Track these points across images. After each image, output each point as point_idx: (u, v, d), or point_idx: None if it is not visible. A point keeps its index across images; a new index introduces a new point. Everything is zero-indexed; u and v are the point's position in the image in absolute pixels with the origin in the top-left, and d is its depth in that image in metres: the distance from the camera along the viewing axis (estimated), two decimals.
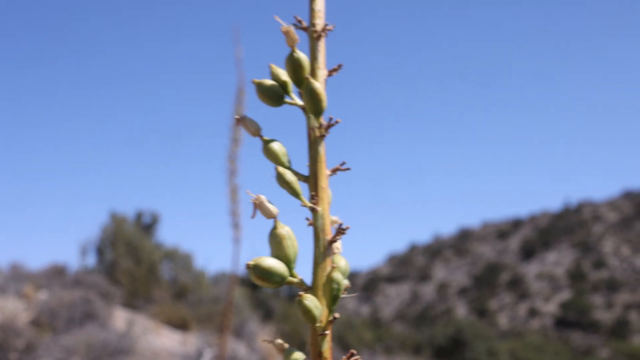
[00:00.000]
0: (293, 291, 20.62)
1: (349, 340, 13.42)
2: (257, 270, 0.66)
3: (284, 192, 0.70)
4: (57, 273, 11.77)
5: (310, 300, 0.64)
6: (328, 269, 0.67)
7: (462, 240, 65.95)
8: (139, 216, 14.65)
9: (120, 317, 9.86)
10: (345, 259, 0.71)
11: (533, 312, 44.49)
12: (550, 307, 44.61)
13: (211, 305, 11.78)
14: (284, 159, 0.72)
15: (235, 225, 4.01)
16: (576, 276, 48.15)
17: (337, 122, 0.70)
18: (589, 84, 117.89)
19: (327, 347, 0.66)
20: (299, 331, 12.59)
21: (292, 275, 0.68)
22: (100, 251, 13.36)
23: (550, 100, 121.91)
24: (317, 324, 0.65)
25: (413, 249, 67.64)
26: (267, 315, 13.76)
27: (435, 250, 65.18)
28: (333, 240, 0.67)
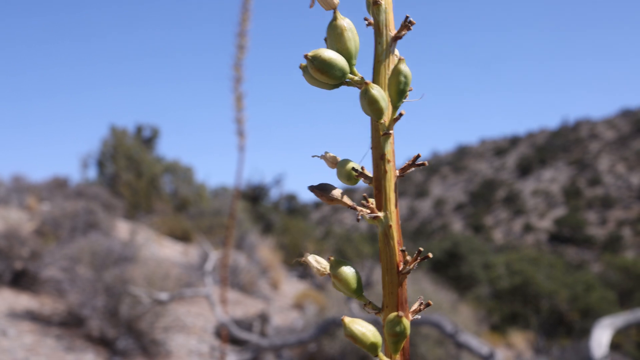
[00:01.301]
0: (292, 205, 20.78)
1: (347, 253, 13.60)
2: (316, 62, 0.59)
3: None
4: (58, 185, 11.83)
5: (377, 90, 0.58)
6: (393, 64, 0.61)
7: (460, 157, 66.15)
8: (139, 130, 14.64)
9: (122, 228, 9.97)
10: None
11: (528, 228, 44.99)
12: (545, 223, 45.09)
13: (212, 217, 11.88)
14: None
15: (240, 133, 4.04)
16: (571, 193, 48.50)
17: None
18: (589, 6, 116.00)
19: (390, 148, 0.61)
20: (298, 244, 12.75)
21: (352, 72, 0.62)
22: (101, 164, 13.39)
23: (549, 18, 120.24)
24: (382, 121, 0.60)
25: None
26: (266, 228, 13.92)
27: (432, 166, 65.39)
28: (398, 36, 0.61)
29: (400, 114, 0.60)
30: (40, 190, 10.94)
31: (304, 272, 11.86)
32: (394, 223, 0.60)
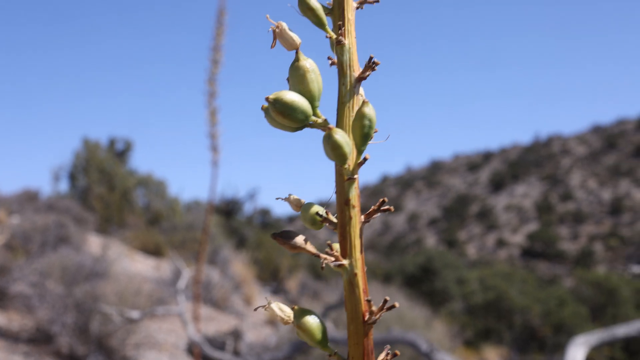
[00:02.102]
0: (266, 220, 20.71)
1: (320, 270, 13.58)
2: (278, 105, 0.58)
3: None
4: (29, 198, 11.69)
5: (340, 135, 0.56)
6: (357, 105, 0.59)
7: (433, 172, 66.51)
8: (112, 143, 14.53)
9: (94, 242, 9.87)
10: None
11: (501, 243, 45.25)
12: (518, 238, 45.38)
13: (185, 232, 11.81)
14: None
15: (214, 148, 4.02)
16: (543, 208, 48.90)
17: None
18: (560, 19, 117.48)
19: (355, 194, 0.59)
20: (272, 258, 12.69)
21: (315, 114, 0.60)
22: (73, 177, 13.26)
23: (523, 35, 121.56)
24: (345, 166, 0.58)
25: (385, 180, 68.14)
26: (240, 242, 13.85)
27: (406, 181, 65.72)
28: (362, 77, 0.60)
29: (365, 159, 0.59)
30: (10, 203, 10.79)
31: (277, 287, 11.81)
32: (360, 271, 0.59)
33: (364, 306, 0.59)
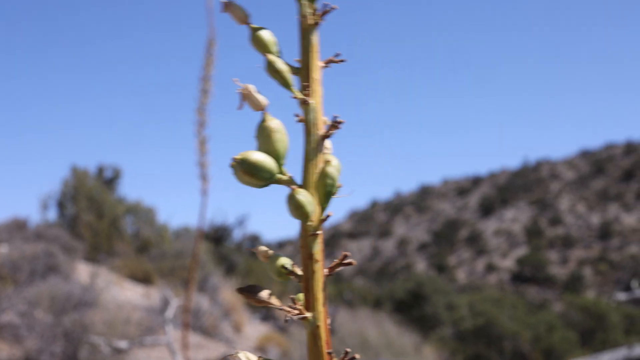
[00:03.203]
0: (255, 246, 20.62)
1: None
2: (245, 165, 0.60)
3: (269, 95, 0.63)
4: (17, 227, 11.63)
5: (303, 195, 0.59)
6: (321, 164, 0.62)
7: (423, 197, 66.54)
8: (100, 170, 14.52)
9: (83, 271, 9.83)
10: (337, 159, 0.63)
11: (490, 268, 45.24)
12: (507, 263, 45.38)
13: (174, 259, 11.77)
14: (274, 49, 0.65)
15: (203, 177, 4.03)
16: (533, 233, 48.96)
17: (332, 8, 0.63)
18: (548, 44, 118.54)
19: (318, 248, 0.61)
20: (261, 285, 12.63)
21: (281, 172, 0.62)
22: (61, 205, 13.22)
23: (512, 60, 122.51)
24: (309, 223, 0.60)
25: (374, 205, 68.12)
26: (229, 269, 13.81)
27: (396, 206, 65.70)
28: (326, 135, 0.62)
29: (328, 215, 0.61)
30: None
31: (267, 314, 11.77)
32: (322, 323, 0.60)
33: (325, 358, 0.60)
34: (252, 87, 0.62)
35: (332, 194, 0.62)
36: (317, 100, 0.62)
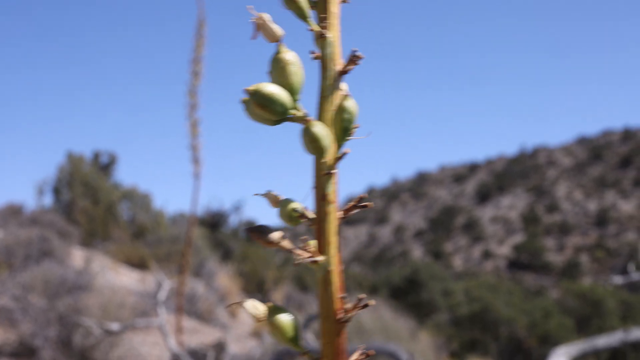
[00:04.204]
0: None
1: (307, 281, 13.54)
2: (257, 97, 0.57)
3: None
4: (13, 212, 11.61)
5: (319, 128, 0.55)
6: (338, 100, 0.58)
7: (419, 184, 66.59)
8: (96, 156, 14.47)
9: (78, 256, 9.80)
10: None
11: (487, 255, 45.31)
12: (504, 250, 45.47)
13: (170, 245, 11.75)
14: None
15: (196, 160, 4.00)
16: (529, 219, 49.03)
17: None
18: (546, 32, 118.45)
19: (332, 189, 0.58)
20: (258, 271, 12.65)
21: (295, 107, 0.59)
22: (57, 191, 13.18)
23: (509, 47, 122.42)
24: (324, 160, 0.57)
25: (371, 192, 68.08)
26: (226, 255, 13.80)
27: (392, 193, 65.76)
28: (344, 71, 0.59)
29: (344, 153, 0.58)
30: None
31: (263, 299, 11.75)
32: (334, 268, 0.57)
33: (337, 304, 0.57)
34: (267, 16, 0.59)
35: (350, 131, 0.59)
36: (334, 34, 0.59)
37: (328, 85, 0.59)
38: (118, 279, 9.57)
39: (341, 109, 0.58)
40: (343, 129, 0.58)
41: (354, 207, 0.60)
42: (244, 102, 0.59)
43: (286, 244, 0.59)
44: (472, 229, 50.50)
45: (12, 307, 6.13)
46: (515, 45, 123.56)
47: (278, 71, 0.59)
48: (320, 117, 0.59)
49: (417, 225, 55.57)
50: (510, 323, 11.70)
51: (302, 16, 0.60)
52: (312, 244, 0.59)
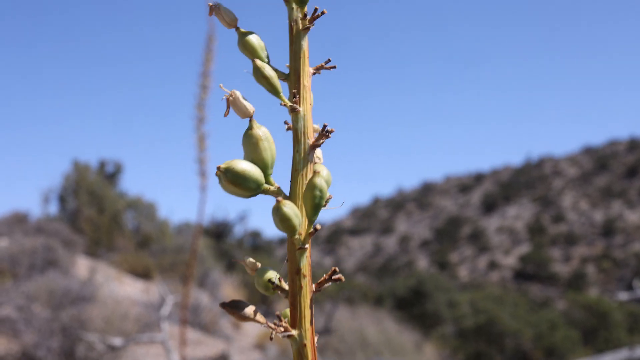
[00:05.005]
0: (257, 242, 20.63)
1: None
2: (229, 174, 0.58)
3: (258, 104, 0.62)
4: (18, 221, 11.62)
5: (289, 207, 0.57)
6: (309, 175, 0.60)
7: (425, 194, 66.51)
8: (102, 165, 14.49)
9: (82, 265, 9.80)
10: (327, 169, 0.63)
11: (493, 265, 45.17)
12: (510, 260, 45.32)
13: (174, 254, 11.76)
14: (262, 54, 0.63)
15: (202, 173, 3.98)
16: (535, 230, 48.89)
17: (322, 13, 0.61)
18: (551, 40, 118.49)
19: (306, 262, 0.59)
20: None
21: (268, 182, 0.61)
22: (62, 200, 13.20)
23: (515, 56, 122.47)
24: (296, 236, 0.58)
25: (376, 202, 68.12)
26: (230, 265, 13.79)
27: (398, 203, 65.69)
28: (316, 145, 0.60)
29: (316, 229, 0.59)
30: None
31: (267, 310, 11.75)
32: (309, 342, 0.59)
33: None
34: (238, 93, 0.60)
35: (321, 206, 0.59)
36: (306, 108, 0.61)
37: (301, 159, 0.60)
38: (122, 289, 9.56)
39: (311, 186, 0.58)
40: (314, 205, 0.59)
41: (327, 280, 0.60)
42: (217, 175, 0.59)
43: (260, 318, 0.60)
44: (478, 239, 50.38)
45: (15, 317, 6.12)
46: (521, 55, 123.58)
47: (250, 147, 0.60)
48: (293, 191, 0.60)
49: (423, 236, 55.47)
50: (516, 335, 11.64)
51: (274, 91, 0.61)
52: (287, 315, 0.60)
